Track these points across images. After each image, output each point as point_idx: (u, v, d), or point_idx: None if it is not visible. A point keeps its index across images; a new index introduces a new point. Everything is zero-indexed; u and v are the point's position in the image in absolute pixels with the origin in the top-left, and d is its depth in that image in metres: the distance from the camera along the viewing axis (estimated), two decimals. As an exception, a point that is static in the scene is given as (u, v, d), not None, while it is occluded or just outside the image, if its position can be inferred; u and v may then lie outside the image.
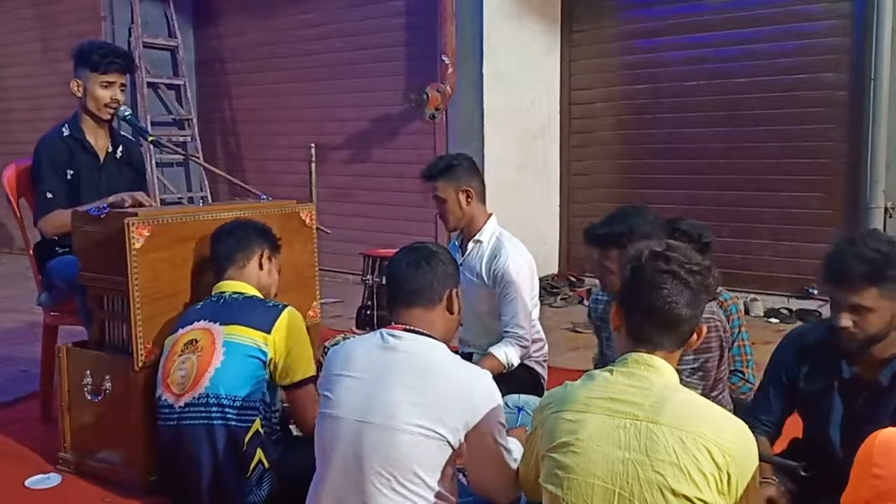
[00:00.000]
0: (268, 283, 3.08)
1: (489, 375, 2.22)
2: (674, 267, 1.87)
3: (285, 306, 2.92)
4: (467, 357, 3.42)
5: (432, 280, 2.27)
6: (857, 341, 2.25)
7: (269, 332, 2.82)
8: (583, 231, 2.81)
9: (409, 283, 2.27)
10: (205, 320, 2.88)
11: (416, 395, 2.11)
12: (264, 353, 2.81)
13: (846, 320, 2.22)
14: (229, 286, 2.98)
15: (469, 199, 3.44)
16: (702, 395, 2.56)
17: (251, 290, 2.98)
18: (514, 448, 2.27)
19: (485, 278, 3.42)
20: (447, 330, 2.32)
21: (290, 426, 3.02)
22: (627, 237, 2.62)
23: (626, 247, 2.60)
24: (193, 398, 2.77)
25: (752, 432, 1.87)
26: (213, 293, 2.99)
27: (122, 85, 3.72)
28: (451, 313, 2.32)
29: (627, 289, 1.94)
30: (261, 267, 3.04)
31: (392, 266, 2.33)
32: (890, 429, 1.59)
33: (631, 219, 2.71)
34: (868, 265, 2.18)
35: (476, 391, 2.15)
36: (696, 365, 2.54)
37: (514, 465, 2.22)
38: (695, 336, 1.94)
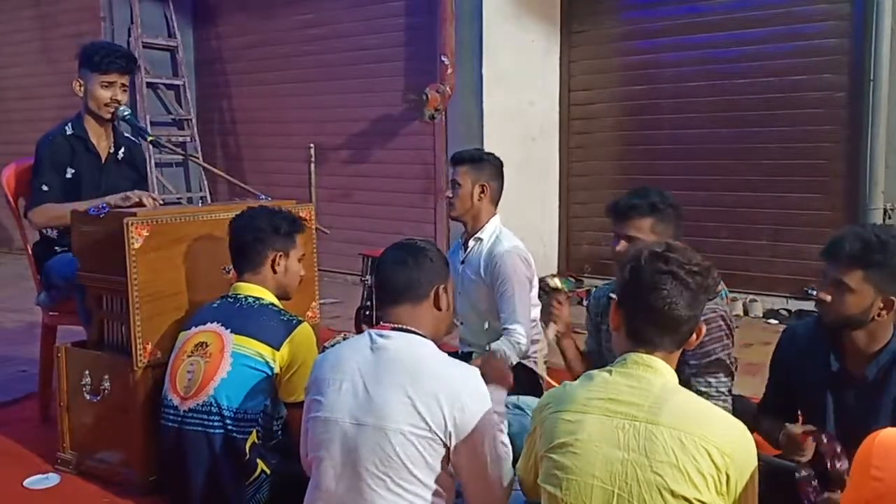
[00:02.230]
0: (286, 282, 3.01)
1: (478, 373, 2.22)
2: (673, 268, 1.87)
3: (300, 322, 2.89)
4: (467, 356, 3.42)
5: (418, 276, 2.28)
6: (831, 317, 2.32)
7: (277, 348, 2.81)
8: (609, 207, 2.80)
9: (395, 279, 2.29)
10: (218, 323, 2.87)
11: (406, 394, 2.11)
12: (270, 368, 2.80)
13: (826, 294, 2.29)
14: (246, 289, 2.95)
15: (482, 195, 3.46)
16: (729, 387, 2.60)
17: (268, 297, 2.95)
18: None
19: (483, 275, 3.43)
20: (436, 327, 2.32)
21: None
22: (661, 203, 2.70)
23: (657, 212, 2.68)
24: (197, 404, 2.78)
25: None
26: (230, 292, 2.97)
27: (124, 85, 3.72)
28: (439, 310, 2.30)
29: (627, 289, 1.93)
30: (274, 270, 2.97)
31: (379, 264, 2.35)
32: (888, 430, 1.59)
33: (657, 192, 2.77)
34: (861, 245, 2.23)
35: (466, 388, 2.15)
36: (712, 357, 2.55)
37: (510, 476, 2.20)
38: (694, 336, 1.94)
